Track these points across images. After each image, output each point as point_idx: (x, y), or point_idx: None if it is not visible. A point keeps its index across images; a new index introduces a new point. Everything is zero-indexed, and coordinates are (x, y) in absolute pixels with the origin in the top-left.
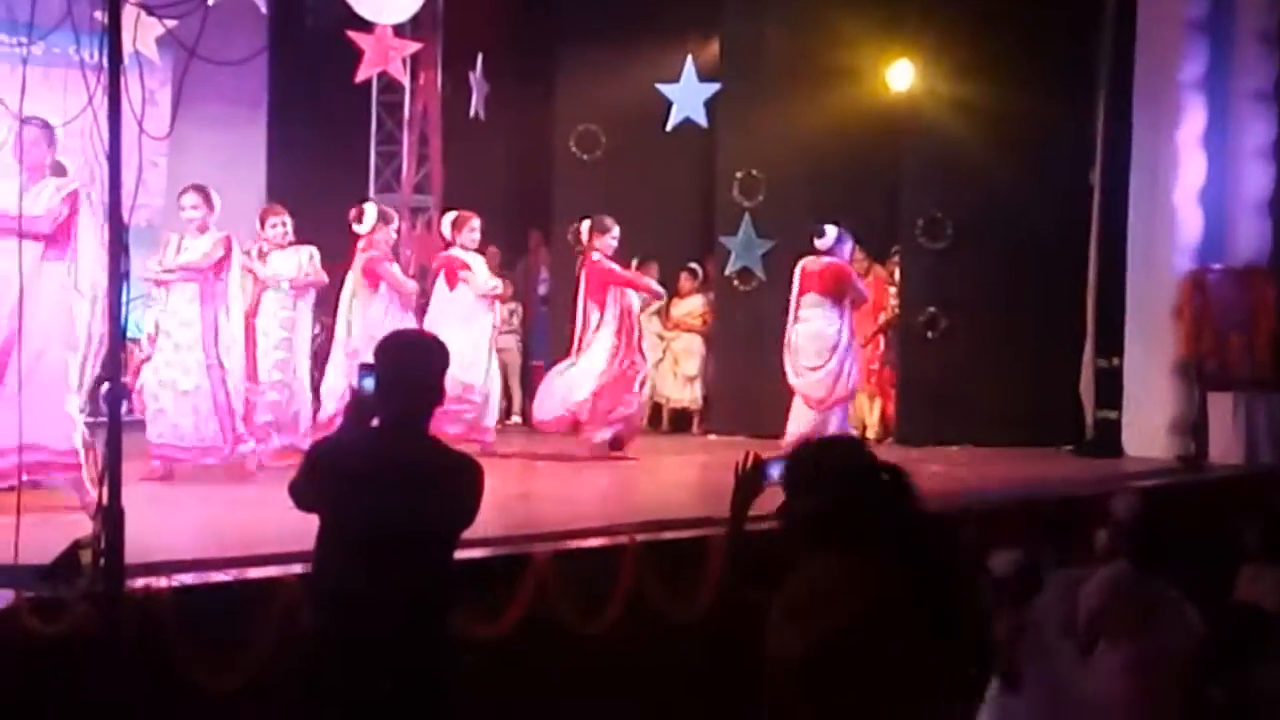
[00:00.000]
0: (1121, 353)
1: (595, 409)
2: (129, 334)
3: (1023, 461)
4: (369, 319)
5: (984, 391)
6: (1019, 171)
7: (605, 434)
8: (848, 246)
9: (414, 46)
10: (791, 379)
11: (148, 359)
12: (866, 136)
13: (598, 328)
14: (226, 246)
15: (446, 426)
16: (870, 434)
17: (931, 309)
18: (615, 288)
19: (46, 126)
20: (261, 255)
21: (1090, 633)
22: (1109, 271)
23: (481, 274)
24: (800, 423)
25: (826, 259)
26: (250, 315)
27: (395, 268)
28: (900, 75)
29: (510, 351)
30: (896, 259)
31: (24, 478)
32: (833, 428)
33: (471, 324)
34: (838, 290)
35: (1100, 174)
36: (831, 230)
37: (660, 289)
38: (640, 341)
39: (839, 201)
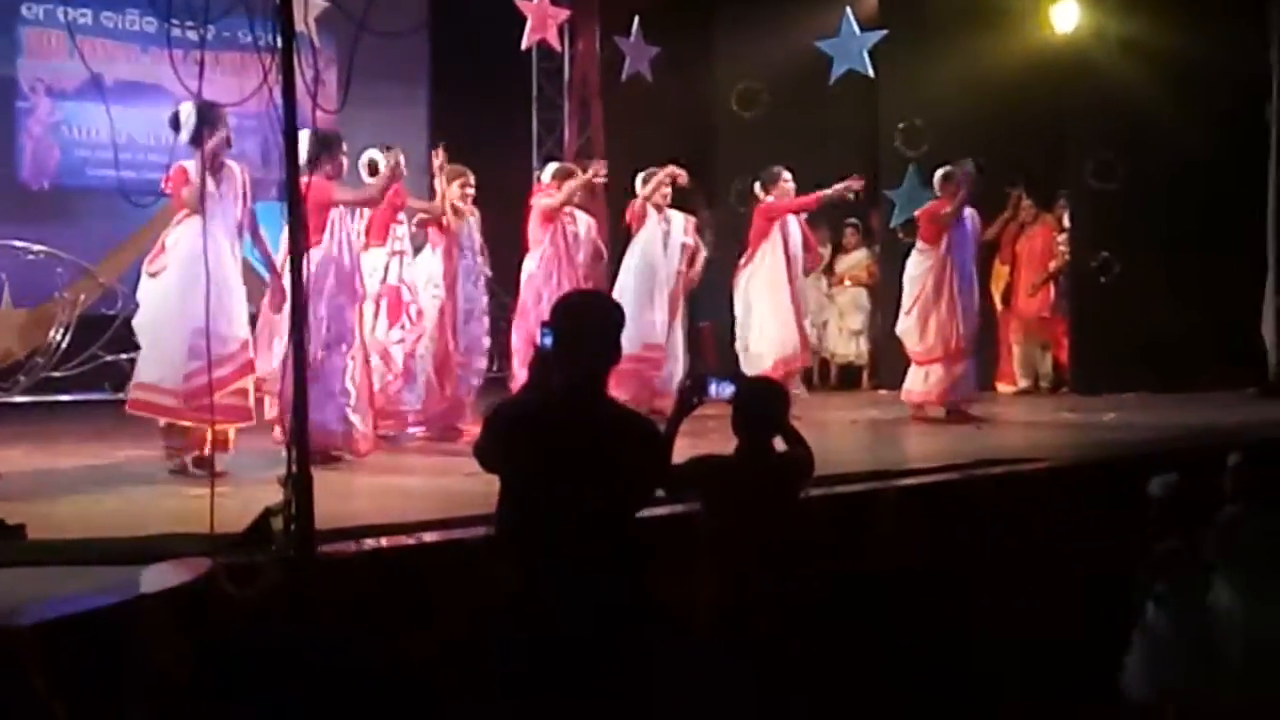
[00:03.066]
0: None
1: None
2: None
3: (1205, 406)
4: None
5: (1161, 336)
6: (1190, 109)
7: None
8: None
9: (565, 14)
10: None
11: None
12: (1030, 80)
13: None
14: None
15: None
16: (1044, 383)
17: (1104, 253)
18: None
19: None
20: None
21: None
22: None
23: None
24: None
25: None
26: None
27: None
28: (1064, 15)
29: None
30: (1064, 204)
31: None
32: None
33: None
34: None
35: (1277, 107)
36: None
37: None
38: None
39: (1004, 148)
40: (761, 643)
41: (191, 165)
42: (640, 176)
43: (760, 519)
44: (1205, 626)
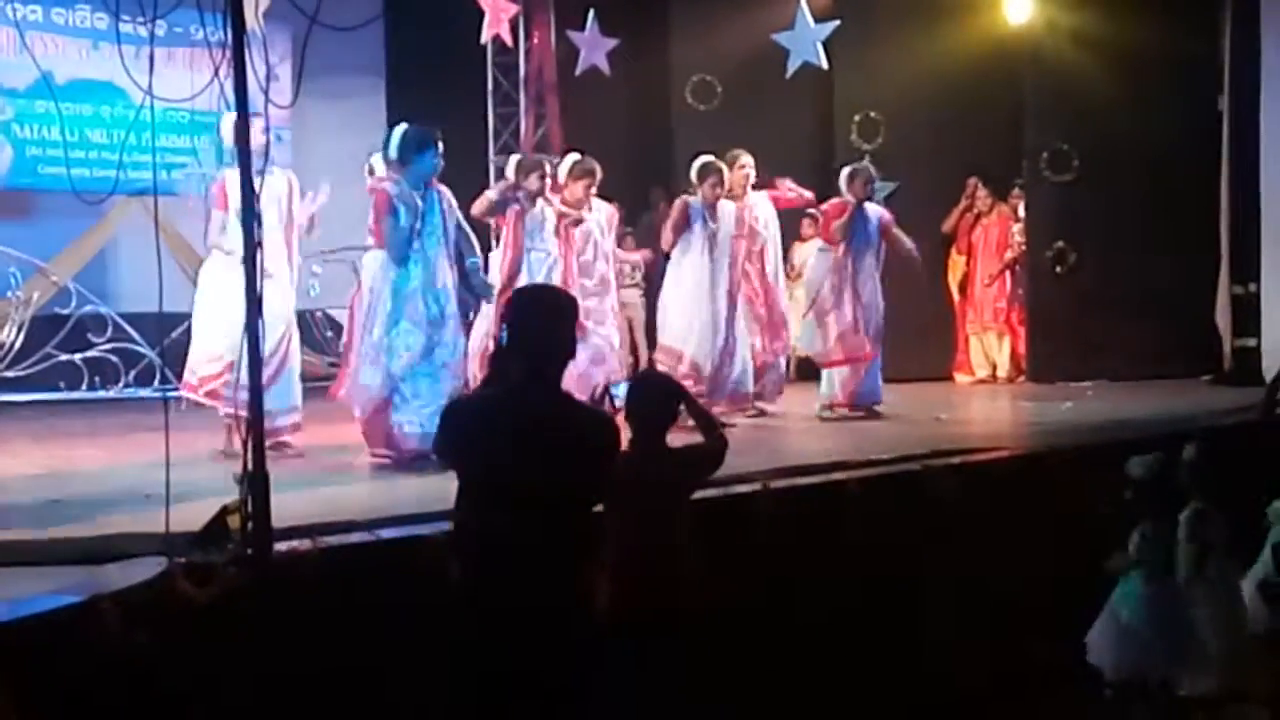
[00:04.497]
0: (1258, 278)
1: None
2: None
3: (1159, 394)
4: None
5: (1116, 325)
6: (1143, 99)
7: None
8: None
9: (515, 9)
10: None
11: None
12: (985, 72)
13: None
14: None
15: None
16: (1000, 373)
17: (1059, 243)
18: None
19: None
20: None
21: None
22: (1242, 196)
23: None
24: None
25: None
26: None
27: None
28: (1017, 7)
29: (633, 306)
30: (1019, 195)
31: None
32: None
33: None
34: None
35: (1229, 97)
36: None
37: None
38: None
39: (959, 139)
40: (649, 640)
41: (233, 176)
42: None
43: (647, 516)
44: (1177, 604)
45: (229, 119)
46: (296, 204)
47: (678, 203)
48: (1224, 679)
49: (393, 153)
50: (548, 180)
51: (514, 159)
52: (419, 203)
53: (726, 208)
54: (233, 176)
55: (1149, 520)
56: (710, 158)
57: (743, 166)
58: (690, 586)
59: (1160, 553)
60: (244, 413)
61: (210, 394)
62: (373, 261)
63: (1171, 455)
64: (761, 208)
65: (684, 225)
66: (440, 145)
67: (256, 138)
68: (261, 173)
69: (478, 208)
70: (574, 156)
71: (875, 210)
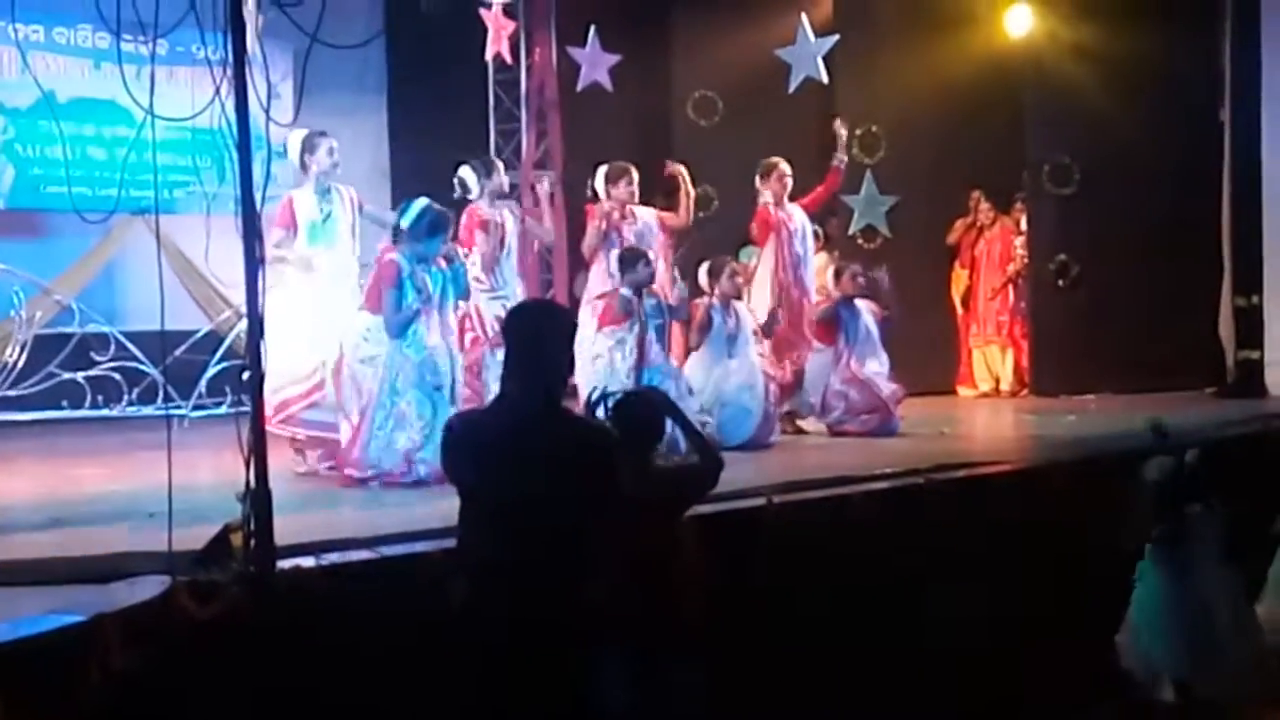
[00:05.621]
0: (1261, 290)
1: None
2: None
3: (1163, 407)
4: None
5: (1119, 338)
6: (1144, 111)
7: None
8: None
9: (513, 25)
10: None
11: None
12: (985, 85)
13: None
14: None
15: None
16: (1003, 386)
17: (1061, 256)
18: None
19: None
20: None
21: None
22: (1244, 208)
23: None
24: None
25: None
26: None
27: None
28: (1018, 20)
29: None
30: (1021, 208)
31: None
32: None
33: None
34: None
35: (1230, 109)
36: None
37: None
38: None
39: (960, 153)
40: (650, 654)
41: (299, 195)
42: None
43: (641, 532)
44: (1197, 605)
45: (296, 135)
46: (357, 216)
47: (698, 306)
48: (1239, 682)
49: (405, 223)
50: (635, 186)
51: (601, 170)
52: (428, 286)
53: (742, 309)
54: (299, 195)
55: (1165, 523)
56: (721, 258)
57: (783, 176)
58: (691, 601)
59: (1177, 555)
60: (322, 434)
61: (288, 419)
62: (359, 325)
63: (1182, 461)
64: (798, 218)
65: (707, 326)
66: (451, 230)
67: (322, 160)
68: (264, 196)
69: (588, 248)
70: (604, 166)
71: (864, 305)
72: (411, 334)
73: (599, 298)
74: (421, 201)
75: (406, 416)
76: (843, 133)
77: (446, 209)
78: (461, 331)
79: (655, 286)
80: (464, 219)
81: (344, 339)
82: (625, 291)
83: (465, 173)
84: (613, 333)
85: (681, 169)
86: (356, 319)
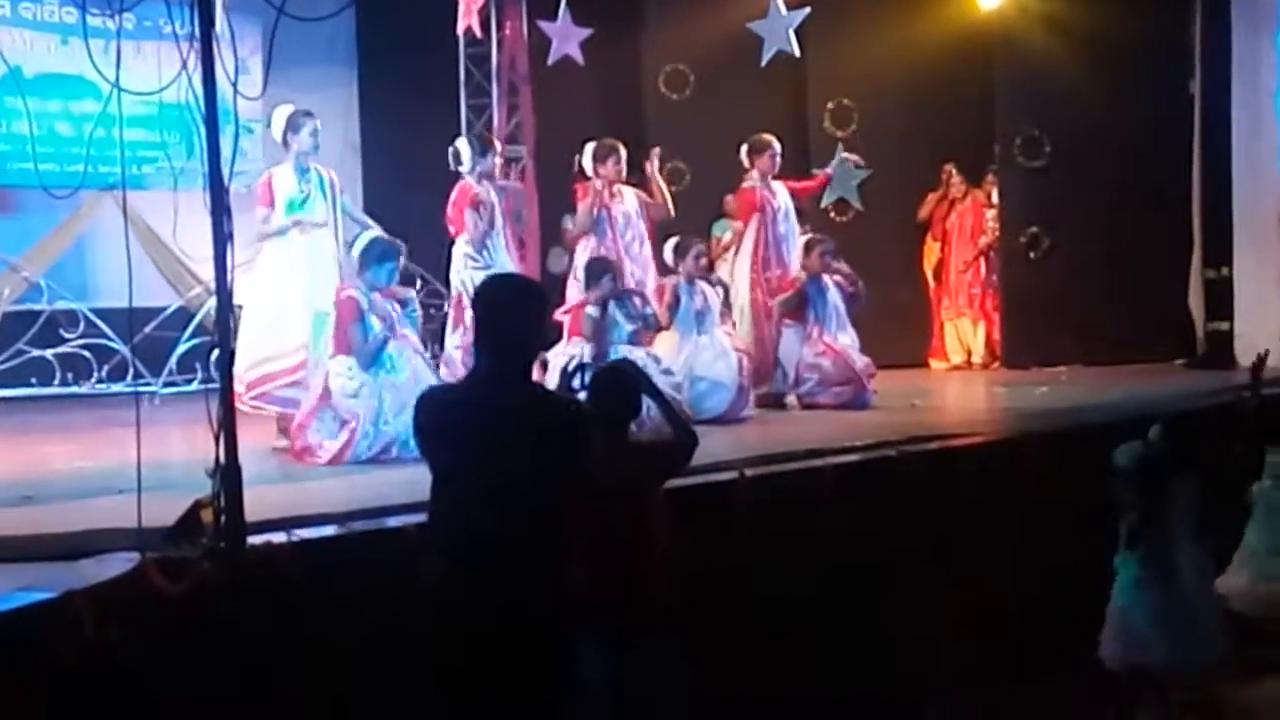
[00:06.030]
0: (1230, 262)
1: None
2: None
3: (1133, 378)
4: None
5: (1091, 310)
6: (1115, 84)
7: None
8: None
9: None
10: None
11: None
12: (957, 58)
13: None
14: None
15: None
16: (975, 358)
17: (1033, 229)
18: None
19: None
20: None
21: None
22: (1214, 180)
23: None
24: None
25: None
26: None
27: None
28: None
29: None
30: (993, 181)
31: None
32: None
33: None
34: None
35: (1200, 82)
36: None
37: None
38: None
39: (931, 125)
40: (626, 631)
41: (279, 172)
42: None
43: (616, 508)
44: (1174, 592)
45: (281, 112)
46: (337, 196)
47: (665, 286)
48: (1210, 654)
49: (355, 253)
50: (623, 165)
51: (588, 148)
52: (391, 312)
53: (708, 288)
54: (279, 173)
55: (1136, 510)
56: (688, 238)
57: (775, 155)
58: (666, 577)
59: (1154, 539)
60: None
61: (262, 395)
62: (338, 368)
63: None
64: (782, 196)
65: (675, 305)
66: (402, 260)
67: (304, 140)
68: (232, 171)
69: (579, 227)
70: (591, 143)
71: (830, 280)
72: (388, 359)
73: (566, 312)
74: (367, 235)
75: (392, 438)
76: (844, 156)
77: (395, 239)
78: (459, 310)
79: (638, 277)
80: (454, 194)
81: (330, 383)
82: (591, 311)
83: (461, 144)
84: (581, 344)
85: (657, 171)
86: (333, 364)
